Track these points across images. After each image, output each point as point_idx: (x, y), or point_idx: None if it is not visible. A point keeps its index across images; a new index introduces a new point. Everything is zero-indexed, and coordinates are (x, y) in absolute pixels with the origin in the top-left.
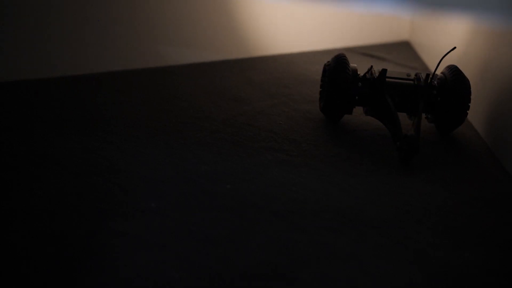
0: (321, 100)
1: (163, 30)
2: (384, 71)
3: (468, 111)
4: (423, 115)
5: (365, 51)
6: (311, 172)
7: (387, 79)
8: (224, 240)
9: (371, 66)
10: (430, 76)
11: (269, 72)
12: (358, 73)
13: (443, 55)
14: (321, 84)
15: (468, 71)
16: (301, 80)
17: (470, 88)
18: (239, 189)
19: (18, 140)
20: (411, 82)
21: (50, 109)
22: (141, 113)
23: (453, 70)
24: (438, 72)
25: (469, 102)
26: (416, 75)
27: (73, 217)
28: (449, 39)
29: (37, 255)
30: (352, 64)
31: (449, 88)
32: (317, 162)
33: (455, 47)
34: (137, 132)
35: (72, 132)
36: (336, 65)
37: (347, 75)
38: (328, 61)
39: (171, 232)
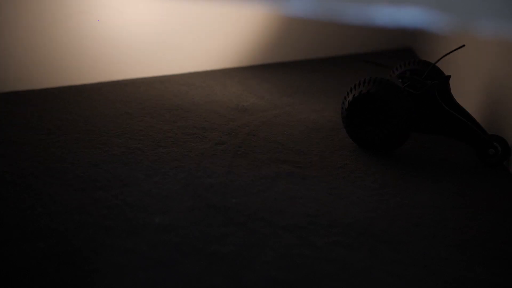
0: (357, 132)
1: (162, 38)
2: (434, 84)
3: None
4: None
5: (367, 59)
6: (319, 184)
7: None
8: (231, 257)
9: (407, 84)
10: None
11: (271, 81)
12: None
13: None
14: (348, 113)
15: (470, 75)
16: (304, 89)
17: None
18: (245, 203)
19: (20, 153)
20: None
21: (49, 121)
22: (144, 124)
23: (433, 66)
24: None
25: None
26: (404, 77)
27: (77, 234)
28: (452, 46)
29: (38, 273)
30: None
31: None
32: (325, 174)
33: (464, 45)
34: (140, 144)
35: (74, 145)
36: (396, 95)
37: (412, 105)
38: (363, 90)
39: (177, 248)
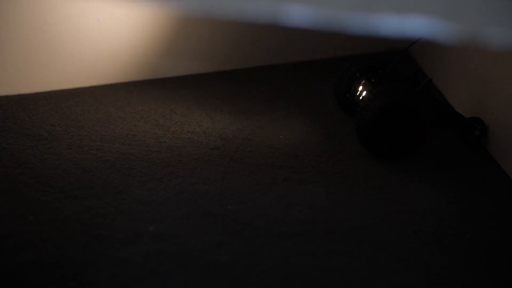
0: (378, 143)
1: (155, 41)
2: (428, 82)
3: None
4: None
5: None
6: (316, 190)
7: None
8: (227, 266)
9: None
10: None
11: (265, 84)
12: None
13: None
14: (371, 126)
15: (469, 76)
16: (300, 91)
17: None
18: (241, 210)
19: (10, 160)
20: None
21: (41, 126)
22: (136, 129)
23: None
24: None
25: None
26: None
27: (70, 244)
28: (448, 48)
29: (30, 286)
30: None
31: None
32: (322, 179)
33: (421, 38)
34: (132, 149)
35: (66, 151)
36: (419, 100)
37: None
38: (388, 101)
39: (172, 258)
